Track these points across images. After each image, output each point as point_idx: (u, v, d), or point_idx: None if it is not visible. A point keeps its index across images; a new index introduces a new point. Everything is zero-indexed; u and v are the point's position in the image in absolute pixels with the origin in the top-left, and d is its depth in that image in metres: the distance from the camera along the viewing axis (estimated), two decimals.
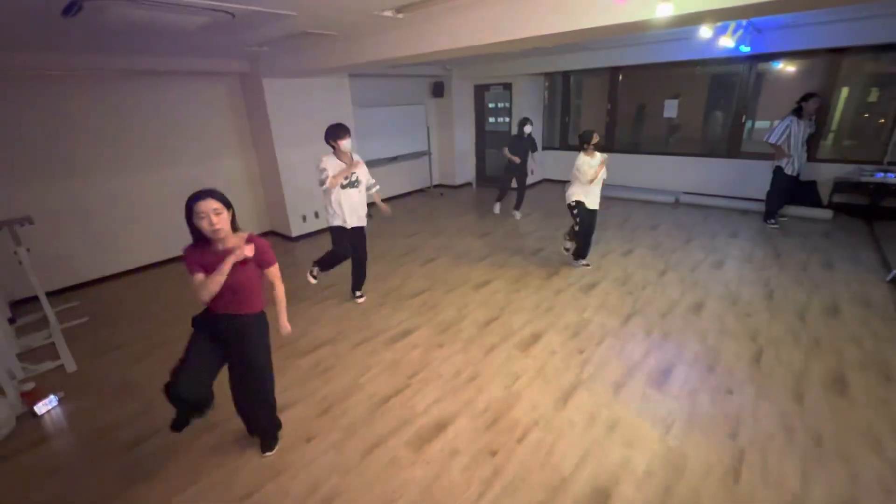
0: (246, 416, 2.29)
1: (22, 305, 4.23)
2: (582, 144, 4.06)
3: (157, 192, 4.99)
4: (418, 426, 2.44)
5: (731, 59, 5.91)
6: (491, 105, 8.24)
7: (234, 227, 1.91)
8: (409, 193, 8.22)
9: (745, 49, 4.65)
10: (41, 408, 2.66)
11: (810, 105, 5.04)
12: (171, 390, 1.94)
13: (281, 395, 2.72)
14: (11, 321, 3.77)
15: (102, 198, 4.67)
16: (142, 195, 4.92)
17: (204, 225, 1.80)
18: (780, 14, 2.33)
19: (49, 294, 4.00)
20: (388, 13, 2.89)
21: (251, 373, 2.10)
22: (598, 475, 2.06)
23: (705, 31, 3.27)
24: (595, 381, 2.74)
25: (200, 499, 2.06)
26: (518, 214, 6.33)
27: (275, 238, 6.13)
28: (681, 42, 5.44)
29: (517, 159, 5.95)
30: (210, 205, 1.80)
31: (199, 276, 1.87)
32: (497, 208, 6.54)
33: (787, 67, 5.99)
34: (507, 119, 8.00)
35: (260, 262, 1.99)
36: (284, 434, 2.41)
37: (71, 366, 3.17)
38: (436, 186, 8.67)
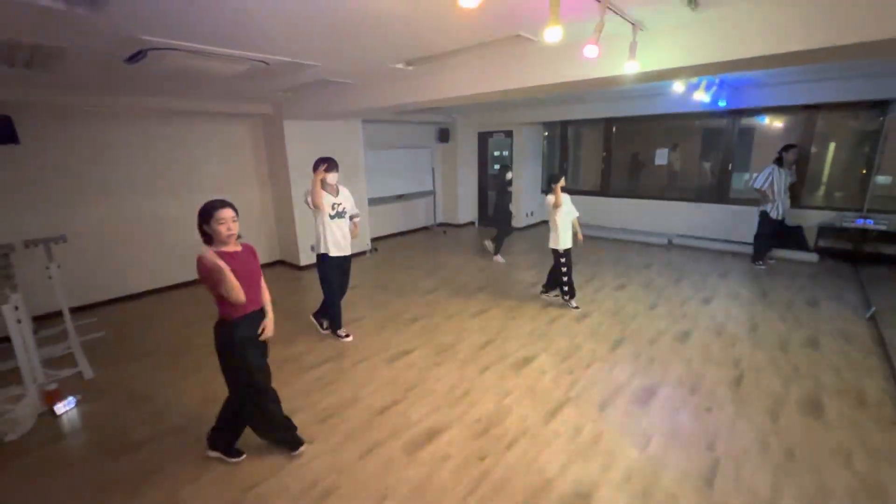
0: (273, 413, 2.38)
1: (42, 320, 4.46)
2: (549, 184, 4.35)
3: (178, 218, 5.34)
4: (413, 433, 2.58)
5: (715, 114, 6.40)
6: (494, 152, 8.81)
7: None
8: (414, 231, 8.58)
9: (723, 103, 5.11)
10: (60, 408, 2.83)
11: (790, 155, 5.43)
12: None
13: (284, 404, 2.87)
14: (33, 333, 3.99)
15: (127, 223, 5.03)
16: (163, 221, 5.28)
17: (222, 230, 2.07)
18: (735, 72, 2.70)
19: (70, 310, 4.24)
20: (400, 65, 3.34)
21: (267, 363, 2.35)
22: (580, 479, 2.19)
23: (678, 86, 3.69)
24: (582, 399, 2.89)
25: (204, 491, 2.19)
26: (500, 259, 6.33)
27: (283, 267, 6.42)
28: (666, 97, 5.94)
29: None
30: (230, 213, 2.11)
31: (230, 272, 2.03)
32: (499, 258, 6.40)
33: (768, 122, 6.47)
34: (509, 164, 8.48)
35: (258, 263, 2.31)
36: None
37: (88, 373, 3.36)
38: (439, 225, 9.04)
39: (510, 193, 6.38)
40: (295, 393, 3.05)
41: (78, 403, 2.95)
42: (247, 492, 2.17)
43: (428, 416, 2.75)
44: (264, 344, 2.33)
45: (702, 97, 4.12)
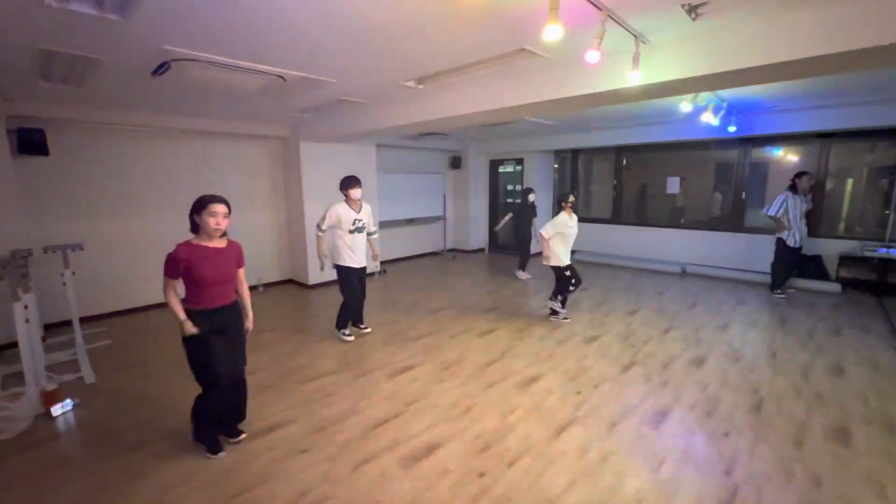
0: (229, 404, 2.44)
1: (54, 328, 4.52)
2: (560, 203, 4.41)
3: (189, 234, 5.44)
4: (411, 446, 2.47)
5: (726, 141, 6.41)
6: (507, 186, 8.94)
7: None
8: (424, 255, 8.60)
9: (732, 129, 5.12)
10: (57, 409, 2.81)
11: (803, 182, 5.36)
12: (212, 393, 2.25)
13: (280, 414, 2.84)
14: (42, 340, 4.03)
15: (141, 236, 5.13)
16: (176, 237, 5.37)
17: (211, 222, 2.17)
18: (736, 87, 2.72)
19: (81, 319, 4.29)
20: (411, 83, 3.46)
21: (237, 352, 2.40)
22: (586, 499, 2.04)
23: (685, 106, 3.72)
24: (590, 419, 2.75)
25: (192, 495, 2.11)
26: (524, 274, 6.57)
27: (292, 285, 6.44)
28: (675, 124, 5.99)
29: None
30: (223, 208, 2.21)
31: (171, 282, 2.22)
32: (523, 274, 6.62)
33: (782, 153, 6.44)
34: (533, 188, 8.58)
35: (238, 261, 2.40)
36: (279, 444, 2.49)
37: (90, 377, 3.35)
38: (449, 250, 9.05)
39: (533, 216, 6.49)
40: (292, 403, 2.97)
41: (75, 406, 2.92)
42: (235, 497, 2.08)
43: (427, 430, 2.64)
44: (236, 339, 2.38)
45: (709, 119, 4.13)
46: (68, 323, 3.96)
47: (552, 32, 1.67)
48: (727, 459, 2.33)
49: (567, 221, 4.34)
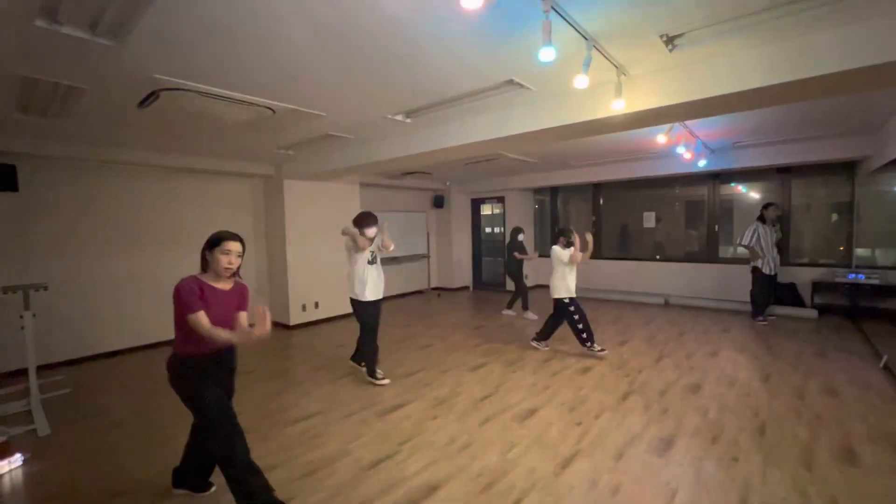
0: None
1: (6, 377, 4.12)
2: (558, 238, 4.47)
3: (163, 274, 5.04)
4: (408, 488, 2.27)
5: (698, 176, 6.74)
6: (486, 228, 9.13)
7: (237, 272, 2.12)
8: (408, 294, 8.46)
9: (703, 163, 5.41)
10: (3, 465, 2.48)
11: (770, 212, 5.64)
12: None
13: (263, 459, 2.56)
14: None
15: (110, 277, 4.84)
16: (148, 277, 5.08)
17: (224, 261, 2.00)
18: (710, 116, 2.90)
19: (39, 367, 3.94)
20: (399, 117, 3.54)
21: (229, 400, 2.14)
22: None
23: (661, 137, 3.93)
24: (595, 450, 2.61)
25: None
26: (531, 314, 6.28)
27: (273, 327, 6.15)
28: (649, 160, 6.30)
29: (534, 255, 6.74)
30: (238, 247, 2.05)
31: (203, 315, 1.89)
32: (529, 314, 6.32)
33: (744, 185, 6.82)
34: (501, 229, 8.70)
35: (240, 304, 2.15)
36: None
37: (44, 430, 3.01)
38: (434, 288, 8.96)
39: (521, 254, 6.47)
40: (276, 447, 2.73)
41: (25, 462, 2.59)
42: None
43: (425, 469, 2.45)
44: (227, 383, 2.15)
45: (686, 154, 4.36)
46: (24, 371, 3.61)
47: (546, 54, 1.74)
48: (740, 486, 2.23)
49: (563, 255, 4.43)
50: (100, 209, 4.78)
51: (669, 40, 2.19)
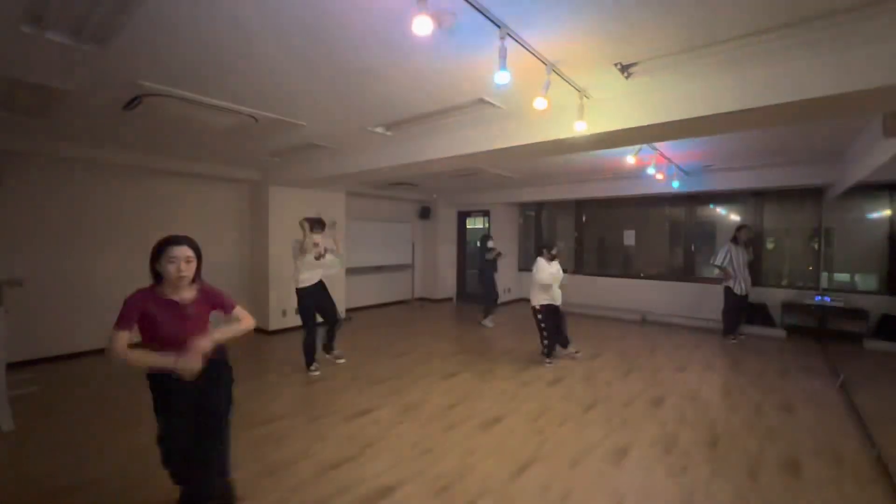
0: (199, 479, 1.96)
1: None
2: (541, 250, 4.61)
3: (144, 277, 5.16)
4: (365, 489, 2.33)
5: (675, 198, 6.96)
6: (472, 229, 9.23)
7: (197, 277, 1.94)
8: (391, 304, 8.51)
9: (676, 185, 5.61)
10: None
11: (742, 234, 5.82)
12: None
13: None
14: None
15: (85, 277, 4.84)
16: (125, 277, 5.07)
17: (171, 270, 1.78)
18: (669, 139, 3.06)
19: (9, 365, 3.91)
20: (380, 129, 3.66)
21: (213, 420, 1.95)
22: None
23: (630, 159, 4.10)
24: (551, 457, 2.69)
25: None
26: (488, 322, 6.54)
27: (253, 332, 6.16)
28: (629, 180, 6.49)
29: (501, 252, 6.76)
30: (185, 252, 1.82)
31: (125, 335, 1.74)
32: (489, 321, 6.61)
33: (720, 207, 7.04)
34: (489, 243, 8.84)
35: (216, 306, 2.00)
36: None
37: (8, 425, 3.01)
38: (417, 299, 9.01)
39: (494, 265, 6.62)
40: (238, 448, 2.75)
41: None
42: None
43: (384, 472, 2.50)
44: (213, 398, 1.95)
45: (657, 176, 4.54)
46: None
47: (501, 77, 1.87)
48: (685, 493, 2.32)
49: (548, 269, 4.58)
50: (81, 208, 4.80)
51: (624, 68, 2.34)
